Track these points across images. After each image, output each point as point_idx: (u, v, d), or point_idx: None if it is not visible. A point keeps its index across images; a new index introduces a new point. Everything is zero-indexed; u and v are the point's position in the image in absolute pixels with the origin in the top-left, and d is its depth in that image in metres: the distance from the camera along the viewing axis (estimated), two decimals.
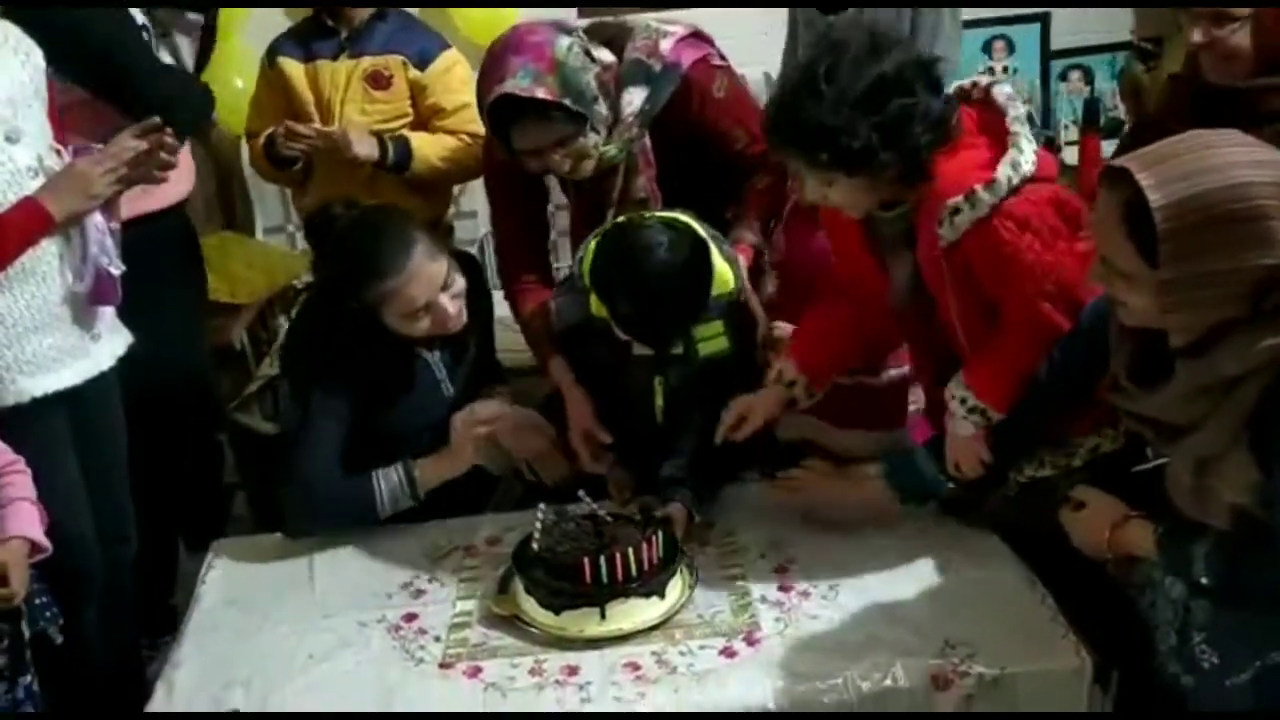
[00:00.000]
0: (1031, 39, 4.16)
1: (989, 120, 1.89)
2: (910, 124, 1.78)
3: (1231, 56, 2.07)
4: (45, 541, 1.92)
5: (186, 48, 2.76)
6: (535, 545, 1.98)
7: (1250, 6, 2.01)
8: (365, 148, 2.79)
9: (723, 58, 2.40)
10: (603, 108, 2.22)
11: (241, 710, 1.80)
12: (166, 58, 2.68)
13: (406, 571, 2.12)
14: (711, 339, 2.18)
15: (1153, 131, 2.23)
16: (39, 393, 2.11)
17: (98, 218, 2.13)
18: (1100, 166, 1.59)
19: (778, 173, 2.36)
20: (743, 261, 2.26)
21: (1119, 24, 3.89)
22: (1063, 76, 4.16)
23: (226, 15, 2.91)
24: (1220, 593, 1.60)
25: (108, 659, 2.35)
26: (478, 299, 2.37)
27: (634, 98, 2.26)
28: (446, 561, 2.14)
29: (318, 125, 2.82)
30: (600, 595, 1.88)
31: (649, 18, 2.38)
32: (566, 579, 1.90)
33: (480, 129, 2.78)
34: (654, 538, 1.94)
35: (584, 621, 1.89)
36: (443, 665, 1.86)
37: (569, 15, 3.70)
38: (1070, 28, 4.07)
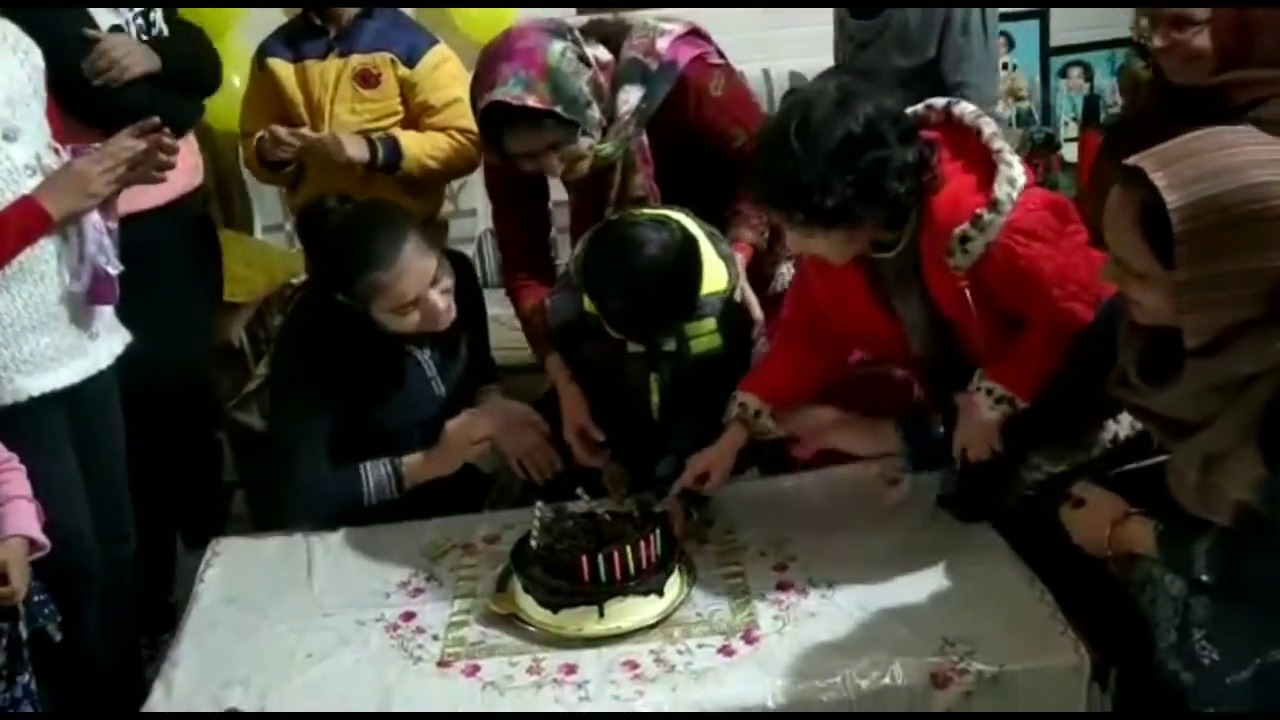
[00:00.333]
0: (1031, 35, 4.15)
1: (958, 141, 1.89)
2: (884, 177, 1.78)
3: (1194, 58, 2.11)
4: (44, 539, 1.92)
5: None
6: (533, 543, 1.98)
7: (1210, 6, 2.03)
8: (355, 149, 2.78)
9: (721, 55, 2.40)
10: (595, 112, 2.21)
11: (240, 709, 1.80)
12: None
13: (405, 570, 2.12)
14: (704, 336, 2.18)
15: (1132, 130, 2.26)
16: (37, 392, 2.11)
17: (95, 217, 2.12)
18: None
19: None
20: (740, 260, 2.26)
21: (1118, 20, 3.89)
22: (1062, 73, 4.15)
23: (222, 14, 2.90)
24: (1220, 589, 1.60)
25: (106, 657, 2.34)
26: (470, 298, 2.37)
27: (630, 96, 2.25)
28: (444, 560, 2.14)
29: (305, 132, 2.80)
30: (598, 594, 1.88)
31: (648, 15, 2.37)
32: (564, 577, 1.90)
33: (471, 124, 2.78)
34: (652, 536, 1.94)
35: (582, 620, 1.89)
36: (441, 664, 1.86)
37: (568, 12, 3.71)
38: (1070, 24, 4.06)
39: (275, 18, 3.16)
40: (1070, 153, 3.91)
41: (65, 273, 2.13)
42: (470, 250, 3.74)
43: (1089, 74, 4.14)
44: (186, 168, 2.61)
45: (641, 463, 2.28)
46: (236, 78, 3.26)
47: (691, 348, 2.17)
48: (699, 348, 2.18)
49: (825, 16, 3.74)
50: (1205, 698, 1.65)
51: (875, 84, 1.88)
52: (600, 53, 2.27)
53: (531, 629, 1.91)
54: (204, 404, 3.01)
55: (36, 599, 1.94)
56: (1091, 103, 3.95)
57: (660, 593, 1.92)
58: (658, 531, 1.96)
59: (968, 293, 1.86)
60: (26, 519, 1.91)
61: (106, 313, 2.25)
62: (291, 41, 2.92)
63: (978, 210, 1.81)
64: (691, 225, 2.17)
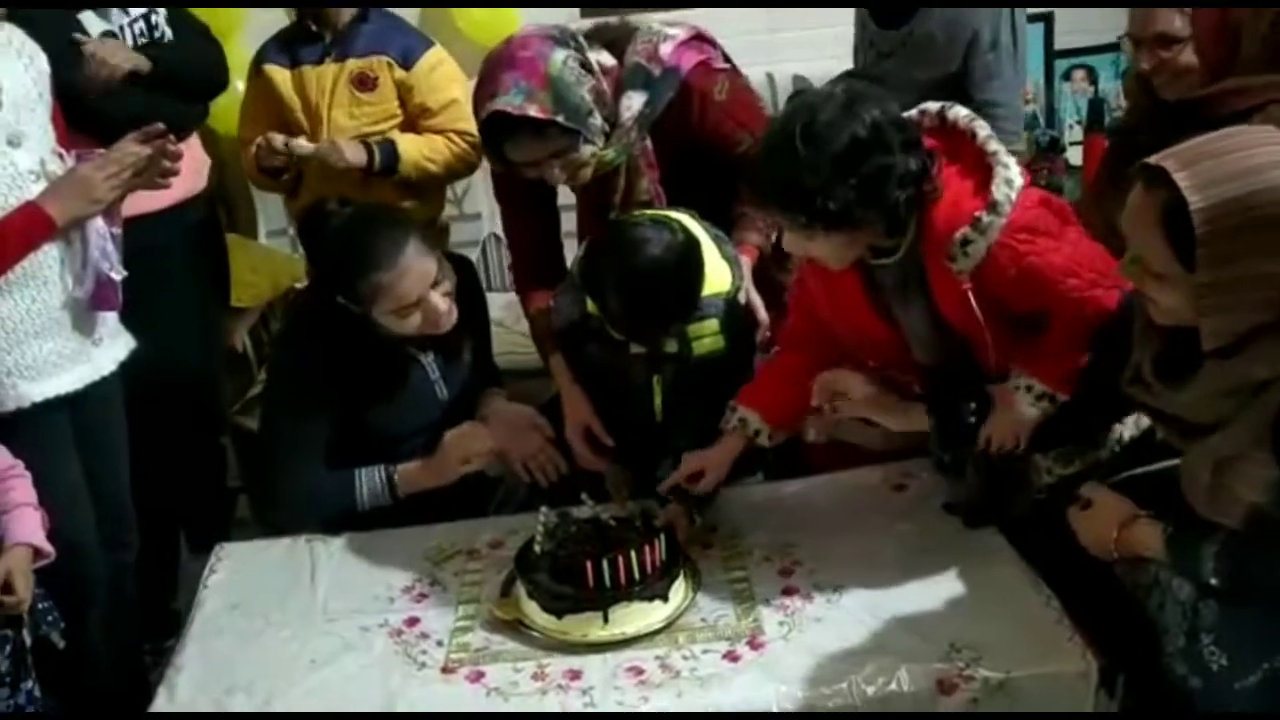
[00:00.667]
0: (1035, 38, 4.12)
1: (953, 145, 1.88)
2: (886, 184, 1.77)
3: (1183, 74, 2.10)
4: (48, 547, 1.93)
5: None
6: (538, 549, 1.98)
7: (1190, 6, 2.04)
8: (352, 154, 2.78)
9: (727, 60, 2.39)
10: (598, 119, 2.21)
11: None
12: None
13: (409, 575, 2.11)
14: (706, 338, 2.18)
15: (1133, 139, 2.25)
16: (40, 397, 2.11)
17: (99, 223, 2.13)
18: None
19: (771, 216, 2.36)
20: (746, 262, 2.26)
21: (1122, 24, 3.87)
22: (1066, 76, 4.13)
23: (225, 17, 2.90)
24: (1229, 593, 1.59)
25: (109, 663, 2.34)
26: (472, 301, 2.37)
27: (633, 102, 2.25)
28: (449, 565, 2.14)
29: (300, 142, 2.81)
30: (603, 599, 1.87)
31: (653, 19, 2.37)
32: (569, 582, 1.90)
33: (469, 126, 2.82)
34: (656, 541, 1.93)
35: (587, 625, 1.88)
36: (445, 670, 1.86)
37: (572, 14, 3.72)
38: (1074, 27, 4.05)
39: (281, 19, 3.16)
40: (1075, 156, 3.90)
41: (69, 278, 2.14)
42: (474, 254, 3.74)
43: (1093, 77, 4.13)
44: (190, 171, 2.61)
45: (644, 464, 2.27)
46: (240, 81, 3.26)
47: (694, 349, 2.17)
48: (702, 349, 2.18)
49: (829, 19, 3.76)
50: (1213, 703, 1.64)
51: (882, 90, 1.87)
52: (604, 58, 2.27)
53: (536, 634, 1.90)
54: (208, 408, 3.01)
55: (40, 606, 1.94)
56: (1096, 106, 3.93)
57: (665, 598, 1.92)
58: (662, 537, 1.96)
59: (971, 297, 1.85)
60: (32, 527, 1.91)
61: (110, 318, 2.25)
62: (287, 47, 2.92)
63: (977, 213, 1.81)
64: (695, 227, 2.17)
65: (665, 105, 2.27)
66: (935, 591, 1.92)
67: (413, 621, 1.98)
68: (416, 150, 2.86)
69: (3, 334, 2.07)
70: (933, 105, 1.92)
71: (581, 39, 2.26)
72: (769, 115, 2.52)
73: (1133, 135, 2.27)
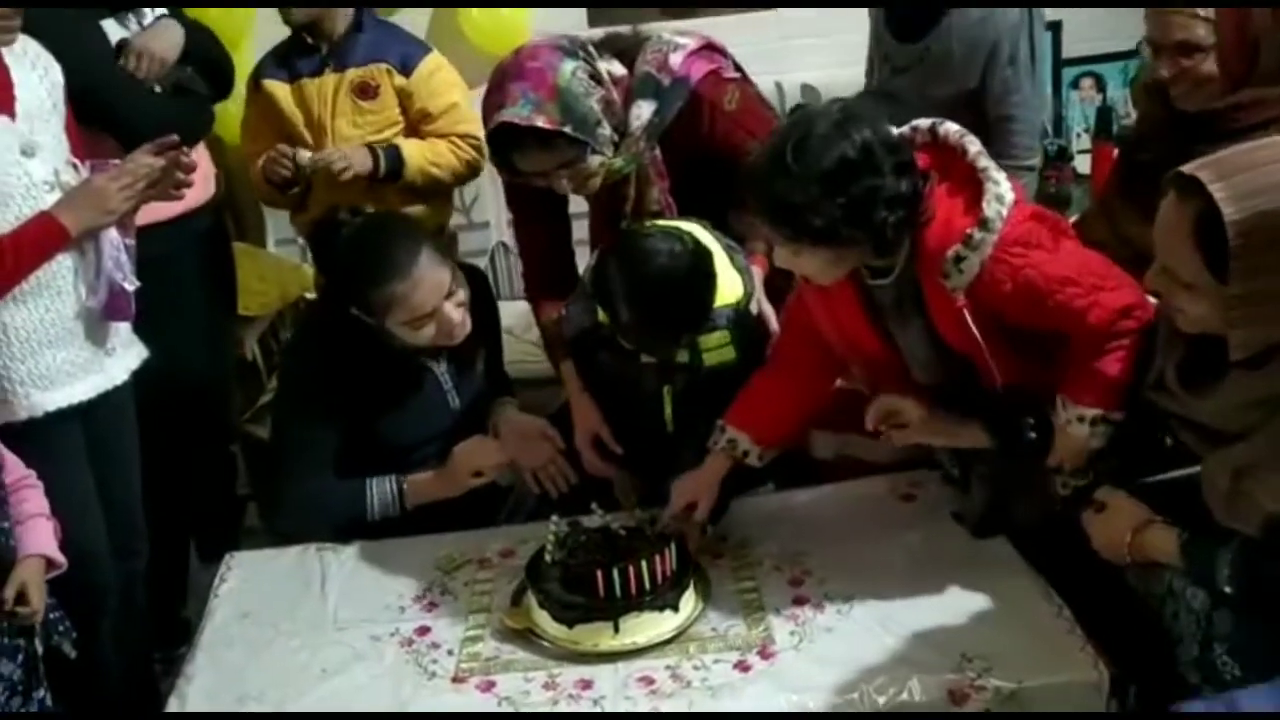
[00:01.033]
0: (1043, 46, 4.14)
1: (944, 161, 1.88)
2: (872, 205, 1.77)
3: (1203, 83, 2.07)
4: (61, 558, 1.93)
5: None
6: (548, 558, 1.98)
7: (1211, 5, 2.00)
8: (358, 159, 2.80)
9: (738, 69, 2.40)
10: (606, 129, 2.21)
11: None
12: None
13: (419, 584, 2.11)
14: (717, 349, 2.18)
15: (1144, 149, 2.23)
16: (53, 407, 2.12)
17: (112, 233, 2.14)
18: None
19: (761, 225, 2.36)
20: (757, 273, 2.26)
21: (1131, 31, 3.88)
22: (1075, 84, 4.14)
23: (232, 27, 2.91)
24: (1243, 601, 1.59)
25: (120, 672, 2.35)
26: (485, 311, 2.37)
27: (642, 111, 2.25)
28: (459, 574, 2.14)
29: (307, 154, 2.82)
30: (614, 608, 1.88)
31: (665, 29, 2.37)
32: (580, 592, 1.90)
33: (471, 129, 2.86)
34: (667, 551, 1.93)
35: (597, 635, 1.88)
36: (456, 679, 1.86)
37: (580, 21, 3.73)
38: (1082, 35, 4.05)
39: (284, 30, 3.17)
40: (1083, 164, 3.90)
41: (82, 288, 2.14)
42: (483, 262, 3.75)
43: (1101, 85, 4.13)
44: (198, 180, 2.61)
45: (654, 474, 2.27)
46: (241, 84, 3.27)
47: (705, 360, 2.17)
48: (712, 360, 2.18)
49: (837, 27, 3.77)
50: None
51: (878, 111, 1.86)
52: (615, 67, 2.27)
53: (546, 644, 1.91)
54: (217, 417, 3.01)
55: (51, 616, 1.94)
56: (1104, 114, 3.93)
57: (675, 608, 1.92)
58: (673, 546, 1.96)
59: (968, 315, 1.83)
60: (45, 538, 1.92)
61: (123, 328, 2.26)
62: (286, 61, 2.92)
63: (968, 230, 1.79)
64: (706, 237, 2.17)
65: (675, 115, 2.26)
66: (946, 601, 1.92)
67: (423, 631, 1.98)
68: (421, 155, 2.87)
69: (17, 343, 2.08)
70: (924, 122, 1.91)
71: (592, 49, 2.26)
72: (780, 123, 2.52)
73: (1144, 146, 2.26)
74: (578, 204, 2.46)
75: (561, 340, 2.38)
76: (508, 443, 2.33)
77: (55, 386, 2.12)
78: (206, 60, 2.71)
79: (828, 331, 2.07)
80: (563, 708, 1.78)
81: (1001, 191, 1.81)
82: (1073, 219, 2.27)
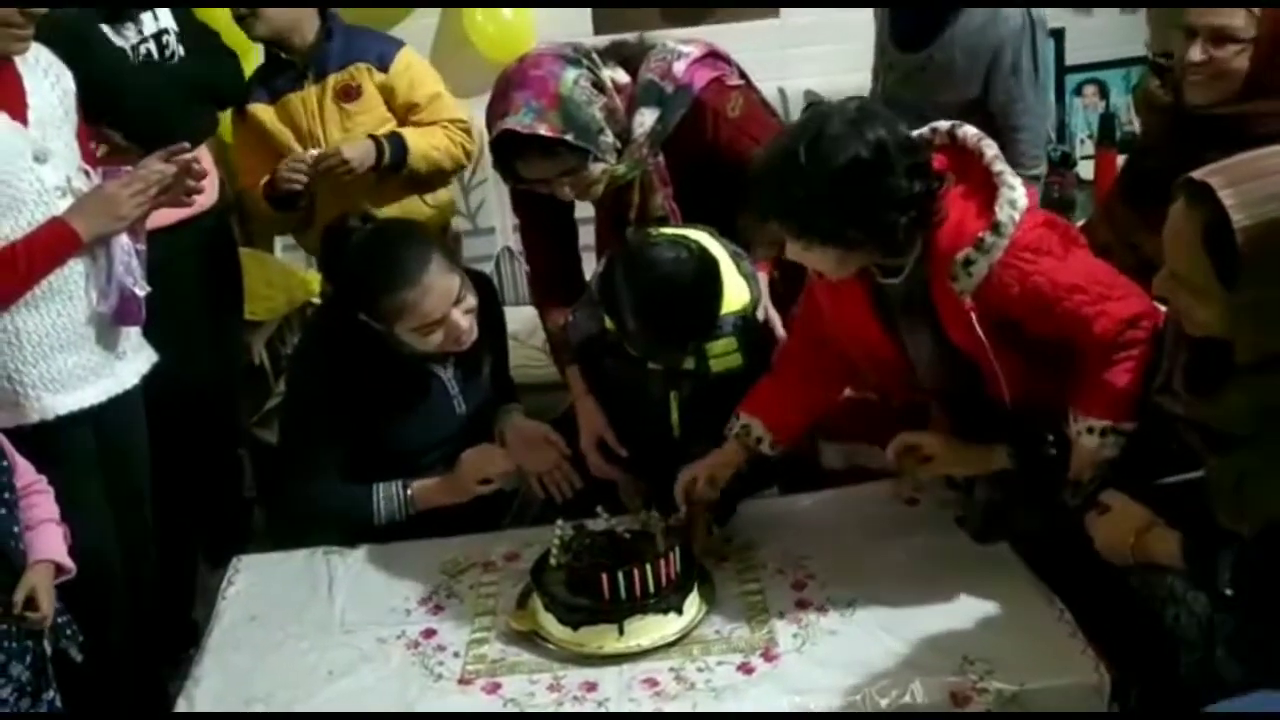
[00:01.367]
0: (1047, 54, 4.15)
1: (961, 163, 1.88)
2: (883, 207, 1.77)
3: (1221, 77, 2.05)
4: (70, 563, 1.95)
5: None
6: (554, 561, 1.99)
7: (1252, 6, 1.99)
8: (362, 151, 2.82)
9: (743, 76, 2.41)
10: (609, 137, 2.23)
11: None
12: None
13: (425, 587, 2.13)
14: (724, 355, 2.19)
15: (1149, 159, 2.23)
16: (64, 410, 2.14)
17: (123, 239, 2.16)
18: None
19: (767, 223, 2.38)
20: (763, 279, 2.27)
21: (1134, 38, 3.89)
22: (1078, 91, 4.15)
23: (240, 40, 2.93)
24: (1245, 604, 1.59)
25: (128, 674, 2.36)
26: (491, 317, 2.39)
27: (645, 119, 2.27)
28: (465, 577, 2.15)
29: (314, 151, 2.83)
30: (618, 611, 1.89)
31: (669, 37, 2.38)
32: (585, 595, 1.91)
33: (459, 113, 2.92)
34: (671, 554, 1.95)
35: (602, 637, 1.90)
36: (462, 681, 1.87)
37: (585, 28, 3.74)
38: (1085, 42, 4.06)
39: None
40: (1086, 170, 3.91)
41: (93, 293, 2.16)
42: (488, 268, 3.76)
43: (1104, 92, 4.14)
44: (209, 180, 2.64)
45: (661, 479, 2.28)
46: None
47: (712, 366, 2.18)
48: (719, 366, 2.18)
49: (840, 34, 3.79)
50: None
51: (894, 111, 1.86)
52: (619, 75, 2.29)
53: (552, 646, 1.92)
54: (224, 421, 3.03)
55: (59, 620, 1.95)
56: (1107, 121, 3.93)
57: (680, 610, 1.93)
58: (677, 549, 1.97)
59: (975, 319, 1.84)
60: (55, 543, 1.93)
61: (133, 332, 2.27)
62: (265, 82, 2.92)
63: (980, 234, 1.79)
64: (713, 244, 2.18)
65: (679, 122, 2.28)
66: (948, 605, 1.93)
67: (429, 633, 2.00)
68: (423, 140, 2.90)
69: (28, 347, 2.10)
70: (943, 124, 1.92)
71: (595, 57, 2.28)
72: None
73: (1151, 152, 2.26)
74: (584, 210, 2.47)
75: (568, 345, 2.40)
76: (513, 448, 2.34)
77: (66, 390, 2.14)
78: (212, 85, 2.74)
79: (836, 329, 2.07)
80: (568, 709, 1.79)
81: (1015, 196, 1.81)
82: (1078, 225, 2.27)
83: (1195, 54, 2.07)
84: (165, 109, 2.58)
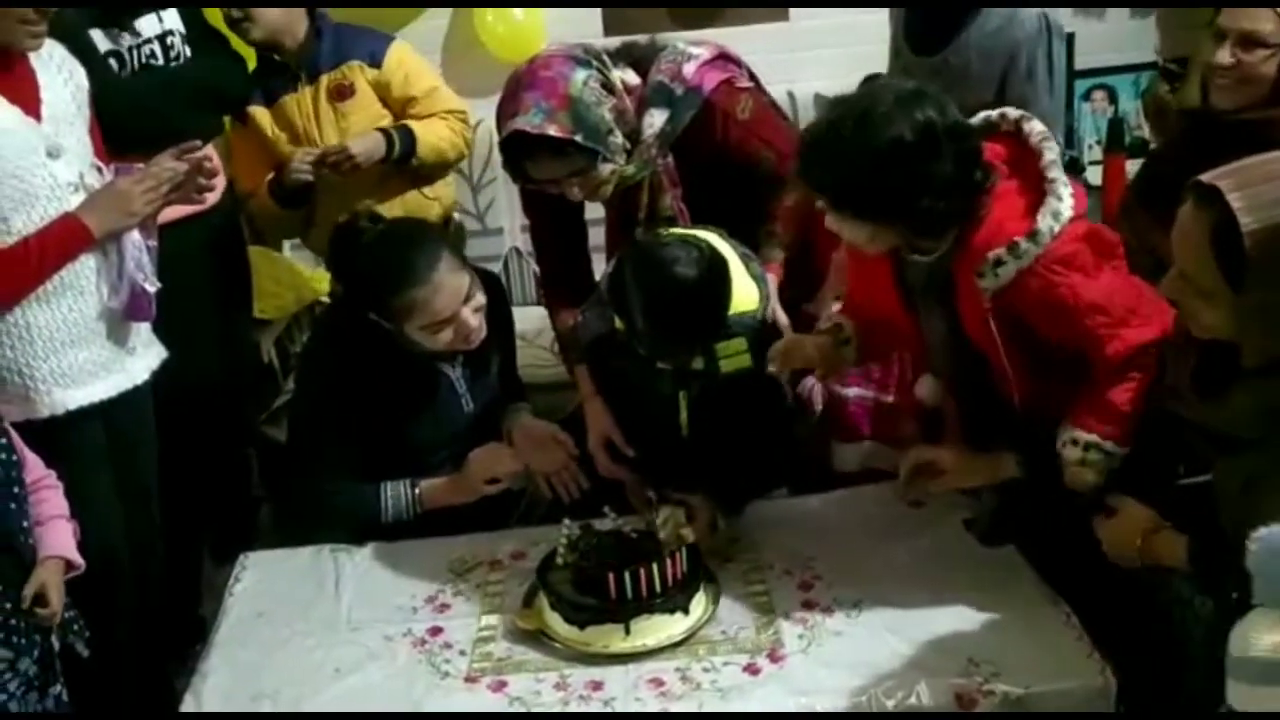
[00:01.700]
0: (1062, 59, 4.14)
1: (1020, 157, 1.85)
2: (920, 191, 1.75)
3: (1249, 82, 2.05)
4: (80, 560, 1.95)
5: None
6: (560, 560, 1.99)
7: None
8: (371, 142, 2.83)
9: (752, 78, 2.41)
10: (618, 137, 2.23)
11: None
12: None
13: (432, 585, 2.13)
14: (734, 356, 2.19)
15: (1167, 163, 2.23)
16: (74, 405, 2.15)
17: (135, 234, 2.17)
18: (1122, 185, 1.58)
19: (806, 190, 2.38)
20: (772, 280, 2.27)
21: (1143, 44, 3.89)
22: (1086, 96, 4.14)
23: (238, 45, 2.94)
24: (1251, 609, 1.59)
25: (136, 669, 2.36)
26: (500, 316, 2.39)
27: (655, 120, 2.27)
28: (471, 575, 2.16)
29: (310, 151, 2.84)
30: (625, 611, 1.89)
31: (679, 39, 2.39)
32: (592, 594, 1.92)
33: (457, 104, 2.94)
34: (678, 554, 1.95)
35: (608, 637, 1.90)
36: (468, 679, 1.88)
37: (596, 30, 3.75)
38: (1094, 47, 4.06)
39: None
40: (1094, 176, 3.90)
41: (104, 288, 2.17)
42: (497, 268, 3.76)
43: (1113, 97, 4.13)
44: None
45: (669, 478, 2.28)
46: None
47: (721, 366, 2.18)
48: (729, 366, 2.18)
49: (850, 37, 3.78)
50: None
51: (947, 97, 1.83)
52: (629, 76, 2.29)
53: (558, 645, 1.92)
54: (232, 417, 3.03)
55: (67, 615, 1.96)
56: (1116, 126, 3.92)
57: (686, 610, 1.93)
58: (683, 550, 1.97)
59: (991, 319, 1.83)
60: (65, 539, 1.94)
61: (143, 328, 2.29)
62: (260, 85, 2.92)
63: (1016, 238, 1.78)
64: (722, 245, 2.18)
65: (689, 123, 2.28)
66: (954, 607, 1.93)
67: (436, 631, 2.00)
68: (429, 131, 2.91)
69: (40, 342, 2.11)
70: (1012, 111, 1.89)
71: (605, 58, 2.28)
72: (795, 132, 2.54)
73: (1171, 154, 2.26)
74: (594, 210, 2.48)
75: (577, 345, 2.40)
76: (521, 448, 2.35)
77: (77, 385, 2.15)
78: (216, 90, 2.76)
79: (858, 292, 2.07)
80: (573, 708, 1.80)
81: (1061, 207, 1.78)
82: None
83: (1224, 57, 2.07)
84: (146, 118, 2.53)
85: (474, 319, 2.22)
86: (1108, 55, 4.06)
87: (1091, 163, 4.01)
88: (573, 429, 2.38)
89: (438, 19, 3.90)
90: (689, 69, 2.29)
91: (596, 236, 2.57)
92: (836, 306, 2.16)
